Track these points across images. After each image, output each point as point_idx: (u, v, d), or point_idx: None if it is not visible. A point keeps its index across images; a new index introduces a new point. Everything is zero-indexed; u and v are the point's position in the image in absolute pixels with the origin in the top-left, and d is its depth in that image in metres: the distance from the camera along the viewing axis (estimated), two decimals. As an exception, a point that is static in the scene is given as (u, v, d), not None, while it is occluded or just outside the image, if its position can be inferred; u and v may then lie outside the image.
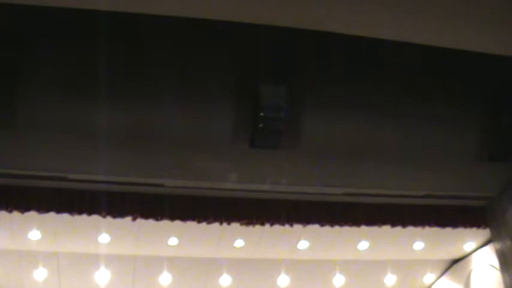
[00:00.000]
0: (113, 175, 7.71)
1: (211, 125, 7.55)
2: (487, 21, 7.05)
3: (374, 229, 8.86)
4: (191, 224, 8.31)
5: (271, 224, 8.48)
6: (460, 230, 9.19)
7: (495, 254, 9.02)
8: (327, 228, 8.64)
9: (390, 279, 10.46)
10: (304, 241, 9.36)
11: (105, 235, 8.83)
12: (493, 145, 8.26)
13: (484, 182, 8.62)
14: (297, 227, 8.59)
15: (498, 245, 8.88)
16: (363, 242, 9.55)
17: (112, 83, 7.23)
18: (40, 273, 9.49)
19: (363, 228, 8.78)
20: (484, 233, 9.39)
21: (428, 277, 10.68)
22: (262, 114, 7.36)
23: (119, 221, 8.15)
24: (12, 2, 6.64)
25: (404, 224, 8.87)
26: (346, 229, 8.76)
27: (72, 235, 8.86)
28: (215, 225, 8.41)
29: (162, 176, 7.83)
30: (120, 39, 7.23)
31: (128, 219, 8.14)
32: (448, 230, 9.08)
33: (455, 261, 10.41)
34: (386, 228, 8.84)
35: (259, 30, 7.30)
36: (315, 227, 8.64)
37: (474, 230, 9.25)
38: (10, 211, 7.89)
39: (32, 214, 7.97)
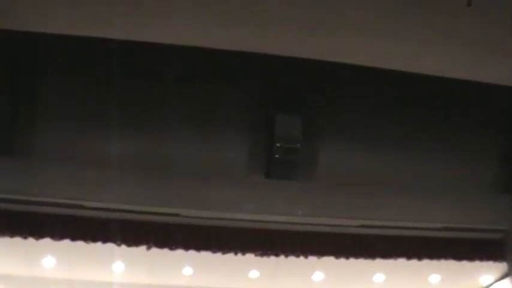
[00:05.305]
0: (128, 204, 7.73)
1: (227, 156, 7.55)
2: (500, 51, 7.07)
3: (389, 261, 8.78)
4: (206, 254, 8.28)
5: (286, 255, 8.42)
6: (477, 263, 9.08)
7: (512, 288, 8.95)
8: (342, 260, 8.58)
9: (406, 312, 10.37)
10: (319, 273, 9.32)
11: (119, 263, 8.83)
12: (509, 177, 8.20)
13: (500, 215, 8.54)
14: (312, 258, 8.53)
15: (515, 279, 8.82)
16: (378, 274, 9.48)
17: (128, 112, 7.28)
18: (54, 301, 9.50)
19: (379, 260, 8.71)
20: (501, 267, 9.29)
21: (445, 311, 10.59)
22: (278, 144, 7.36)
23: (133, 249, 8.14)
24: (20, 29, 6.76)
25: (420, 257, 8.78)
26: (362, 261, 8.68)
27: (87, 263, 8.88)
28: (230, 256, 8.36)
29: (177, 206, 7.82)
30: (134, 69, 7.29)
31: (143, 248, 8.12)
32: (465, 263, 8.98)
33: (472, 295, 10.33)
34: (402, 260, 8.76)
35: (274, 60, 7.34)
36: (330, 259, 8.57)
37: (491, 263, 9.14)
38: (25, 237, 7.90)
39: (47, 241, 7.97)
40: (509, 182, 8.15)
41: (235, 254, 8.35)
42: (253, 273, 9.25)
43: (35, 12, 6.53)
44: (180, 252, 8.23)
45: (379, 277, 9.54)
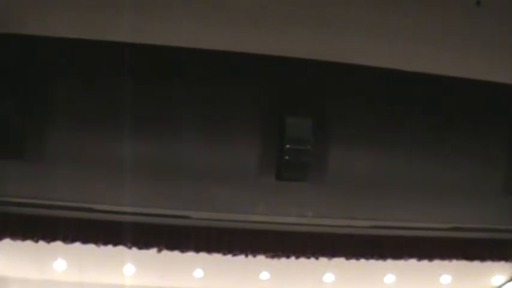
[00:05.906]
0: (138, 206, 7.71)
1: (237, 157, 7.55)
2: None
3: (400, 262, 8.76)
4: (216, 256, 8.27)
5: (297, 257, 8.40)
6: (488, 264, 9.04)
7: (524, 288, 8.93)
8: (353, 261, 8.57)
9: (417, 312, 10.35)
10: (330, 274, 9.31)
11: (130, 266, 8.84)
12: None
13: (511, 215, 8.52)
14: (323, 259, 8.52)
15: (527, 279, 8.80)
16: (389, 275, 9.48)
17: (138, 115, 7.29)
18: (65, 304, 9.53)
19: (389, 261, 8.69)
20: (513, 267, 9.30)
21: (456, 311, 10.56)
22: (288, 146, 7.35)
23: (144, 252, 8.14)
24: (31, 32, 6.80)
25: (431, 257, 8.75)
26: (372, 262, 8.66)
27: (98, 266, 8.91)
28: (240, 258, 8.35)
29: (188, 208, 7.81)
30: (144, 71, 7.31)
31: (153, 250, 8.12)
32: (476, 263, 8.95)
33: (483, 296, 10.31)
34: (413, 261, 8.74)
35: (285, 62, 7.34)
36: (341, 260, 8.55)
37: (502, 263, 9.11)
38: (36, 241, 7.91)
39: (58, 244, 7.97)
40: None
41: (246, 255, 8.34)
42: (264, 275, 9.25)
43: (47, 15, 6.58)
44: (190, 254, 8.23)
45: (389, 278, 9.54)
